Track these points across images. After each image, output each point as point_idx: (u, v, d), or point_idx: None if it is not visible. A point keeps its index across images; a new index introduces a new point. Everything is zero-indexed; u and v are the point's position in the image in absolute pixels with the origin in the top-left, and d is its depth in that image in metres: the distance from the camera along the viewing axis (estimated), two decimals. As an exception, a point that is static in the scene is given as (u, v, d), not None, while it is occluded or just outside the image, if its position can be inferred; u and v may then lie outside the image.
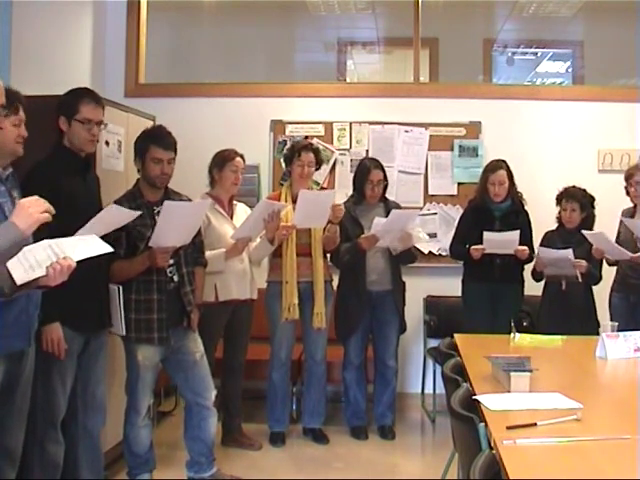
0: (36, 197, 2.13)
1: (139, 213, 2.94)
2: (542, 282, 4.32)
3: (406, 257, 4.28)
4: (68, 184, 2.86)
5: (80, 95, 2.94)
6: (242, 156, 4.00)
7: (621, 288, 4.27)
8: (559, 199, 4.30)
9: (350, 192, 4.41)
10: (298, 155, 4.10)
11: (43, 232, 2.18)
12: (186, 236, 3.25)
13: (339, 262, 4.25)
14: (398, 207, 4.27)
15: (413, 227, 4.19)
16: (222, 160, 3.95)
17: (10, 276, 2.06)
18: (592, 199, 4.26)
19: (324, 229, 4.06)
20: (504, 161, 4.31)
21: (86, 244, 2.28)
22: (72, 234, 2.31)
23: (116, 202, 3.23)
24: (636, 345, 3.06)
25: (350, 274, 4.23)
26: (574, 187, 4.28)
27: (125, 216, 2.84)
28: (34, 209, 2.07)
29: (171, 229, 3.11)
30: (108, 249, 2.30)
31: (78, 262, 2.17)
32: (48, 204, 2.11)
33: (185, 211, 3.22)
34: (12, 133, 2.51)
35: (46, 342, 2.76)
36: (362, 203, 4.28)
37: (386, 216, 4.10)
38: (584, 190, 4.26)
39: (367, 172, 4.22)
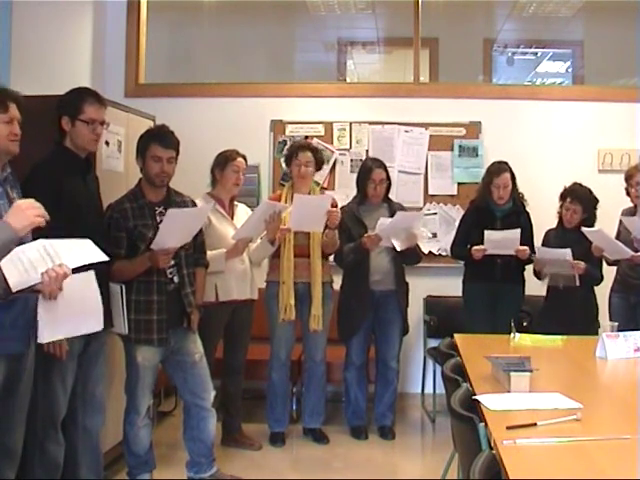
0: (32, 200, 2.11)
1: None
2: (542, 282, 4.32)
3: (411, 258, 4.27)
4: (69, 185, 2.86)
5: (83, 95, 2.93)
6: (244, 157, 3.99)
7: (621, 288, 4.28)
8: (563, 196, 4.25)
9: (350, 192, 4.41)
10: (295, 155, 4.11)
11: (43, 233, 2.17)
12: (187, 237, 3.26)
13: (343, 262, 4.25)
14: (402, 208, 4.27)
15: (417, 229, 4.18)
16: (224, 160, 3.94)
17: (5, 279, 2.05)
18: (596, 201, 4.20)
19: (323, 233, 4.05)
20: (506, 163, 4.30)
21: (81, 249, 2.26)
22: (72, 235, 2.30)
23: (117, 202, 3.24)
24: (636, 345, 3.06)
25: (354, 274, 4.23)
26: (580, 186, 4.21)
27: None
28: (30, 211, 2.06)
29: (173, 233, 3.11)
30: (103, 257, 2.29)
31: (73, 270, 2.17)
32: (43, 209, 2.09)
33: (188, 217, 3.23)
34: (3, 130, 2.46)
35: (47, 343, 2.75)
36: (365, 203, 4.28)
37: (390, 216, 4.10)
38: (589, 191, 4.20)
39: (369, 171, 4.22)
